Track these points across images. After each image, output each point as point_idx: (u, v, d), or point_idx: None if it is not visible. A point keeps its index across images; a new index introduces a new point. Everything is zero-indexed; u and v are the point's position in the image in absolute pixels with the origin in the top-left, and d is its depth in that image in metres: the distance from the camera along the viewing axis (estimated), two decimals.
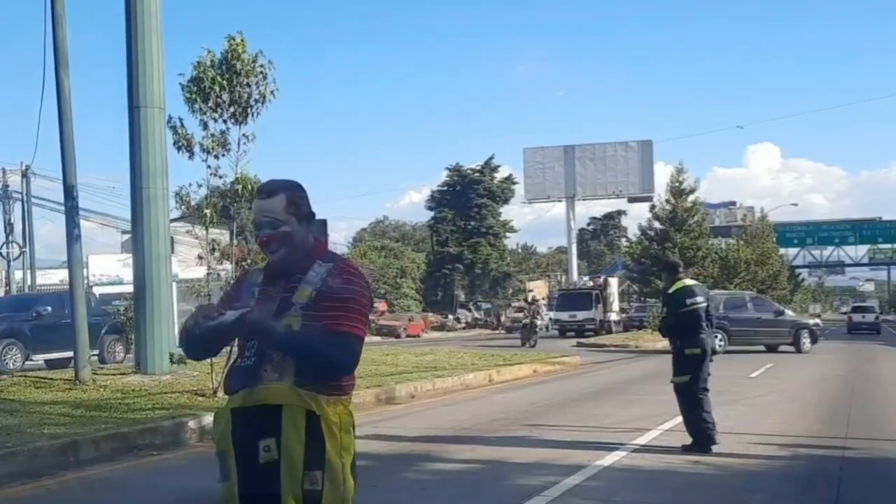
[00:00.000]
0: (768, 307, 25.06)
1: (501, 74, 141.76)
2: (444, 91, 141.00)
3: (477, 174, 60.53)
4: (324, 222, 12.94)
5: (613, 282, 43.42)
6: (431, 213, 62.06)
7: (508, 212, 65.34)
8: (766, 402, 11.44)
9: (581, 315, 38.16)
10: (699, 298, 7.62)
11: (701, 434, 7.43)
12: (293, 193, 2.60)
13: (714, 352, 7.80)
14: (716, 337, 8.01)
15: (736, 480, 6.50)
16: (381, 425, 9.25)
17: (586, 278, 46.35)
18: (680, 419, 7.83)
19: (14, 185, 26.04)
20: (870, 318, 44.47)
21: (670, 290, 7.77)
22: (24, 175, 25.28)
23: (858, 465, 7.05)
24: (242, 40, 10.63)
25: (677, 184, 40.07)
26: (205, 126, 10.73)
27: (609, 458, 7.12)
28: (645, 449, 7.64)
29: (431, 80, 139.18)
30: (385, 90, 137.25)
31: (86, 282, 20.56)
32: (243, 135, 10.77)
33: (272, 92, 10.81)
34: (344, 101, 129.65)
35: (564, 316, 38.80)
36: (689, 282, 7.93)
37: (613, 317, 40.95)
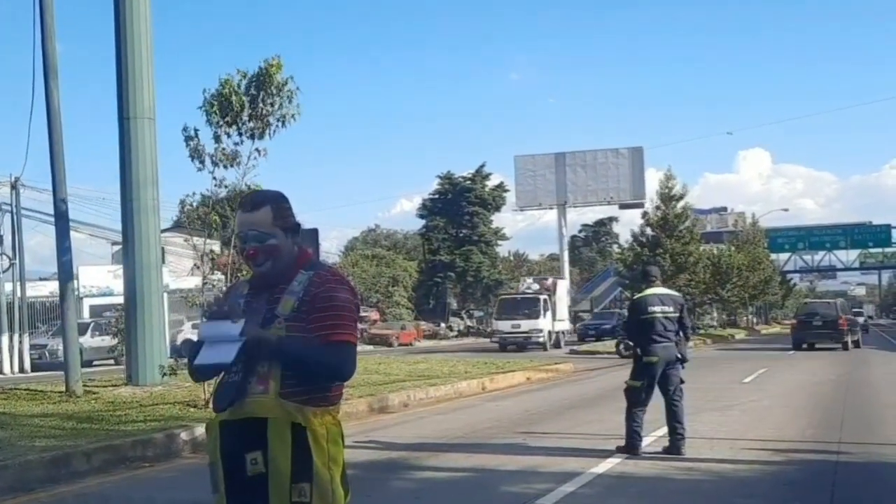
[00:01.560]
0: (848, 308, 31.52)
1: (494, 83, 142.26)
2: (437, 99, 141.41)
3: (468, 182, 60.50)
4: (315, 231, 12.95)
5: (563, 284, 39.45)
6: (423, 222, 61.98)
7: (500, 219, 65.54)
8: (760, 408, 11.45)
9: (526, 325, 32.52)
10: (667, 308, 7.74)
11: (674, 438, 7.62)
12: (279, 205, 2.58)
13: (684, 360, 7.82)
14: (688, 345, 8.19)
15: (730, 486, 6.50)
16: (375, 434, 9.23)
17: (530, 280, 38.53)
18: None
19: (3, 196, 25.92)
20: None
21: (635, 297, 8.29)
22: (14, 187, 25.17)
23: (853, 469, 7.06)
24: (279, 63, 10.67)
25: (666, 190, 40.16)
26: (217, 139, 10.78)
27: (603, 466, 7.12)
28: (639, 456, 7.62)
29: (423, 89, 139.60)
30: (377, 98, 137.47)
31: (76, 293, 20.46)
32: (255, 149, 10.82)
33: (293, 116, 10.89)
34: (335, 109, 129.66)
35: (505, 326, 32.91)
36: (657, 290, 8.01)
37: (564, 326, 36.25)
